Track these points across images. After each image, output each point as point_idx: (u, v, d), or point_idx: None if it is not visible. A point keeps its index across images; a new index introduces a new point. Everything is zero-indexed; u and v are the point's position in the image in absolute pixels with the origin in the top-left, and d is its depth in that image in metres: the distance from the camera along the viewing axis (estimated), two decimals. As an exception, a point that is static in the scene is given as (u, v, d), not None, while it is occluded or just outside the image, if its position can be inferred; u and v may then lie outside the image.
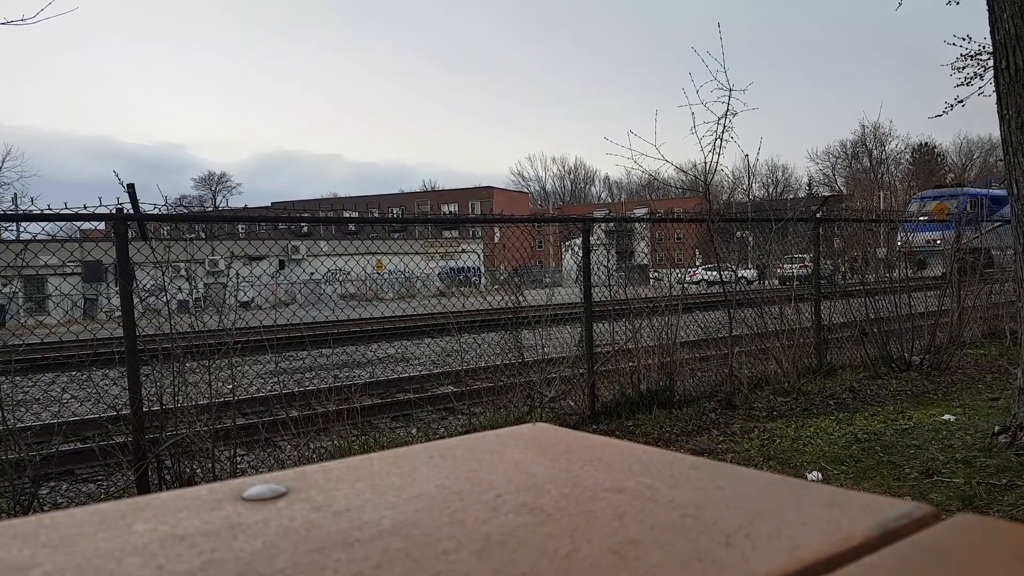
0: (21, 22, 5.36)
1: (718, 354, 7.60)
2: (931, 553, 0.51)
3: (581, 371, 6.67)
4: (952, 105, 10.72)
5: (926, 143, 61.25)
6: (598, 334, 6.90)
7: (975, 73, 10.73)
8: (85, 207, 5.43)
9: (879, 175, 55.85)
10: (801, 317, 8.06)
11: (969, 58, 10.76)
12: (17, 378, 4.91)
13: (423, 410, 7.29)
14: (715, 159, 7.21)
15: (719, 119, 7.04)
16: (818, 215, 9.08)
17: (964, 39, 10.56)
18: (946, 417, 5.89)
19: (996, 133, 5.41)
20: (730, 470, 0.70)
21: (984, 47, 10.17)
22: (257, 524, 0.57)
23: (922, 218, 25.11)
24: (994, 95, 4.99)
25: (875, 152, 60.84)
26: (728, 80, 6.89)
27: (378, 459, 0.74)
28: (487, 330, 7.77)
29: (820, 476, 4.65)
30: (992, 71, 5.05)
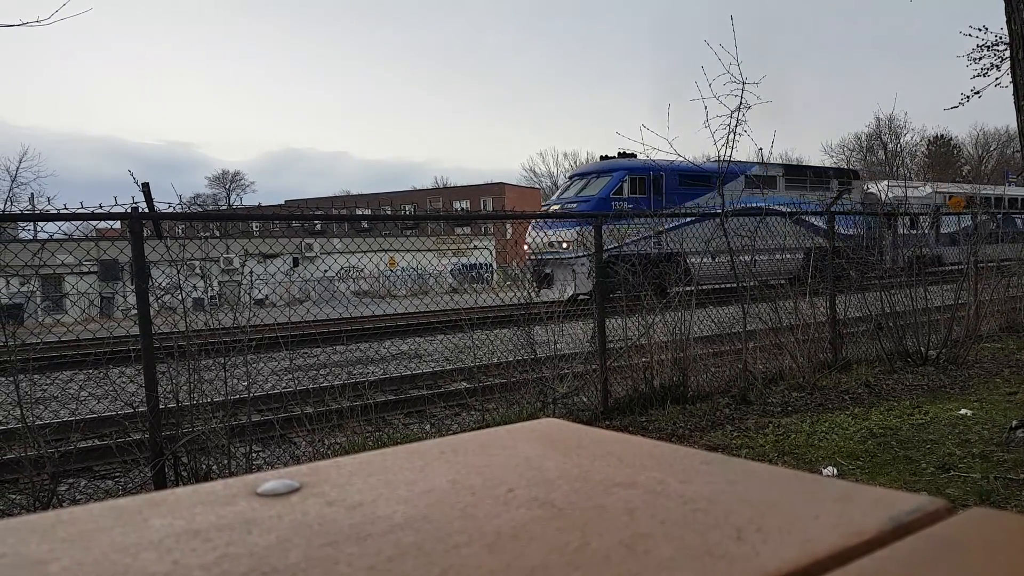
0: (36, 23, 5.41)
1: (732, 349, 7.57)
2: (944, 547, 0.51)
3: (593, 367, 6.66)
4: (968, 96, 10.59)
5: (942, 135, 60.60)
6: (610, 330, 6.89)
7: (992, 64, 10.60)
8: (101, 206, 5.48)
9: (894, 168, 55.31)
10: (816, 311, 8.01)
11: (985, 48, 10.63)
12: (36, 376, 4.97)
13: (436, 406, 7.31)
14: (728, 153, 7.17)
15: (732, 112, 7.00)
16: (832, 208, 9.01)
17: (980, 29, 10.45)
18: (963, 412, 5.83)
19: (1013, 125, 5.35)
20: (742, 465, 0.70)
21: (1001, 37, 10.05)
22: (271, 519, 0.57)
23: (555, 207, 17.76)
24: (1011, 86, 4.93)
25: (890, 145, 60.27)
26: (741, 73, 6.81)
27: (391, 454, 0.75)
28: (499, 326, 7.78)
29: (835, 471, 4.62)
30: (1009, 61, 4.99)
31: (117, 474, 5.60)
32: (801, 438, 5.41)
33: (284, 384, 7.11)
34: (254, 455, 5.26)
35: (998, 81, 9.74)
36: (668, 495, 0.60)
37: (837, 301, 8.28)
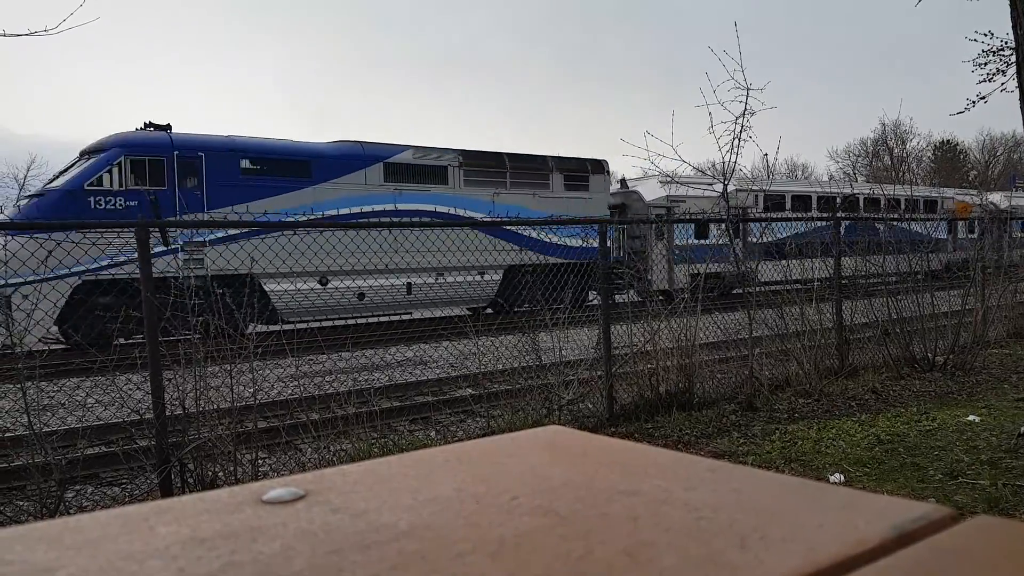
0: (44, 32, 5.45)
1: (738, 356, 7.55)
2: (947, 556, 0.51)
3: (599, 373, 6.65)
4: (974, 102, 10.55)
5: (948, 140, 60.39)
6: (616, 336, 6.88)
7: (998, 69, 10.57)
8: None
9: (900, 173, 55.17)
10: (822, 317, 7.99)
11: (991, 54, 10.60)
12: (43, 383, 4.99)
13: (441, 413, 7.30)
14: (733, 159, 7.15)
15: (737, 118, 7.00)
16: (839, 213, 9.00)
17: (986, 35, 10.42)
18: (971, 418, 5.80)
19: (1020, 129, 5.34)
20: (747, 472, 0.70)
21: (1007, 42, 10.03)
22: (276, 526, 0.58)
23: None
24: (1017, 91, 4.93)
25: (896, 150, 60.11)
26: (745, 79, 6.72)
27: (395, 462, 0.75)
28: (505, 332, 7.78)
29: (842, 478, 4.60)
30: (1015, 66, 4.99)
31: (124, 481, 5.61)
32: (808, 445, 5.39)
33: (290, 391, 7.12)
34: (260, 462, 5.27)
35: (1004, 86, 9.71)
36: (672, 503, 0.60)
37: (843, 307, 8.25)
